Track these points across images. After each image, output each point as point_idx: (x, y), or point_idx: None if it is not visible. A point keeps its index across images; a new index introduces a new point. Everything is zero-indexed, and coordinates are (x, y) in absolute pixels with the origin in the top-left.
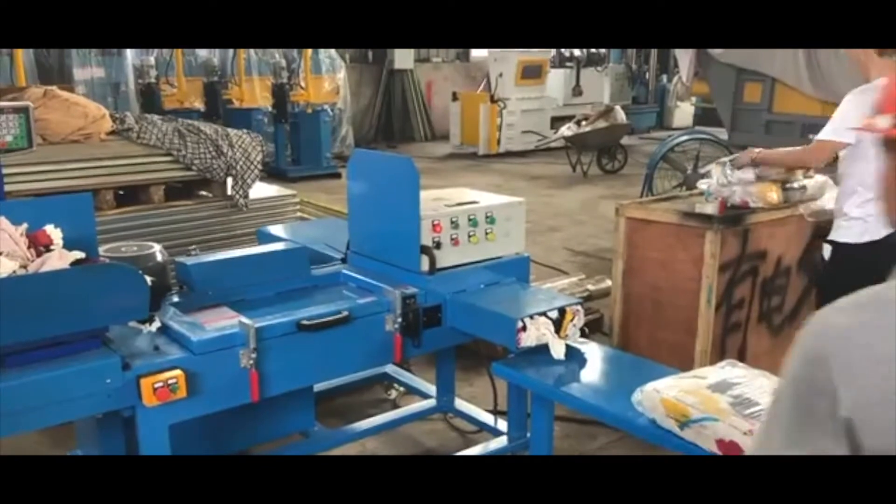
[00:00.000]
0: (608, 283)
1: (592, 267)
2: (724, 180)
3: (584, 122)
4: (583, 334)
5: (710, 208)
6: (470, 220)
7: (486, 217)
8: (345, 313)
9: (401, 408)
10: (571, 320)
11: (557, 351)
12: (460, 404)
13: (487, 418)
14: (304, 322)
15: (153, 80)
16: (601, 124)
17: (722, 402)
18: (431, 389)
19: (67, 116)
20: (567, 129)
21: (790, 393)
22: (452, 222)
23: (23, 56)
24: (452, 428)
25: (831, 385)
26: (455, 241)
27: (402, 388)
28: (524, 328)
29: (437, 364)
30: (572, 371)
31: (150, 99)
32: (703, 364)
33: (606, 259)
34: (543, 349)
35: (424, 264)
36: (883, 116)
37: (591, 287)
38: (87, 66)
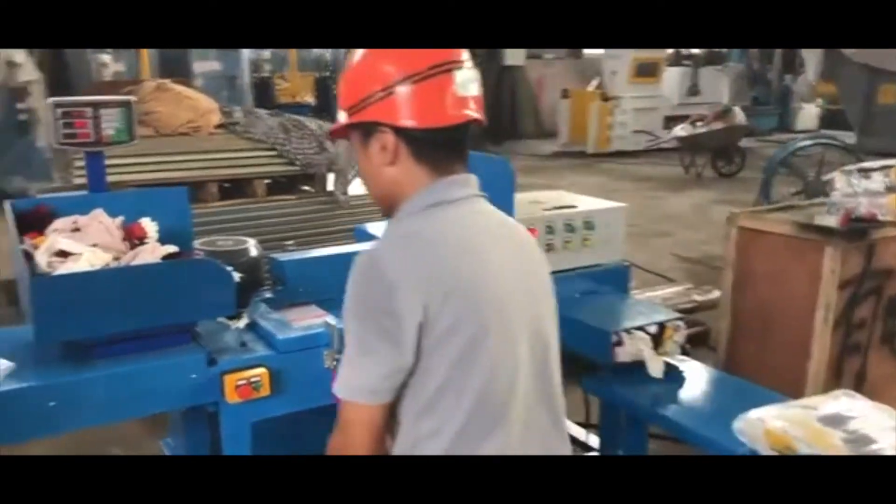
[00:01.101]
0: (717, 294)
1: (701, 275)
2: (849, 190)
3: (699, 123)
4: (683, 352)
5: (832, 220)
6: (567, 225)
7: (585, 222)
8: None
9: None
10: (671, 336)
11: (655, 369)
12: None
13: (578, 432)
14: None
15: (267, 75)
16: (718, 125)
17: (834, 437)
18: None
19: (178, 109)
20: (681, 130)
21: None
22: (548, 227)
23: (147, 50)
24: None
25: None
26: (550, 247)
27: None
28: (620, 342)
29: None
30: (670, 391)
31: (263, 92)
32: (817, 387)
33: (716, 267)
34: (640, 365)
35: None
36: None
37: (697, 297)
38: (205, 60)
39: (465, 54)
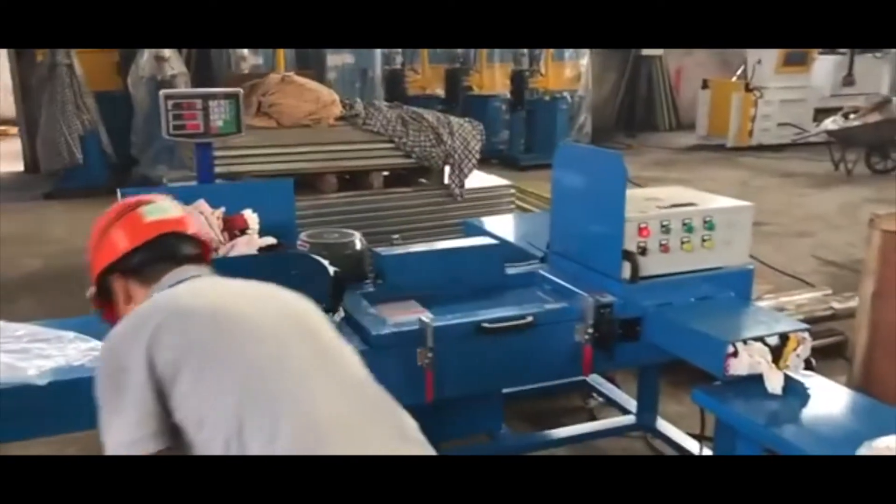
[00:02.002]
0: (857, 301)
1: (843, 280)
2: None
3: (853, 116)
4: (809, 366)
5: None
6: (684, 224)
7: (705, 222)
8: (529, 319)
9: (597, 420)
10: (795, 349)
11: (773, 385)
12: (662, 424)
13: (691, 444)
14: (485, 325)
15: (398, 67)
16: (873, 118)
17: None
18: (632, 404)
19: (300, 101)
20: (832, 123)
21: None
22: (663, 226)
23: None
24: (651, 449)
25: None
26: (664, 248)
27: (600, 399)
28: (735, 353)
29: (640, 377)
30: (789, 409)
31: (394, 85)
32: None
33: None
34: (759, 379)
35: (626, 271)
36: None
37: (836, 305)
38: (339, 53)
39: (166, 200)
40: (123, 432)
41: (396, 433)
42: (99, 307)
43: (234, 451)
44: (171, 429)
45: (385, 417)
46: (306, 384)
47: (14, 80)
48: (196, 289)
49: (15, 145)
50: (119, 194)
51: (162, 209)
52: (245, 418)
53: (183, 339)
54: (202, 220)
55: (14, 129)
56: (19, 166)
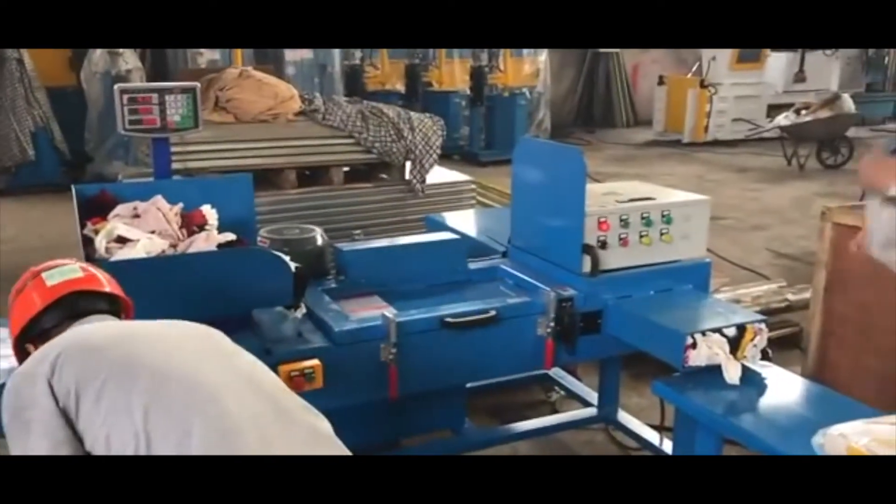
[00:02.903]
0: (811, 293)
1: (797, 272)
2: None
3: (804, 112)
4: (765, 356)
5: None
6: (643, 218)
7: (663, 216)
8: (492, 313)
9: (559, 413)
10: (752, 340)
11: (731, 375)
12: (624, 416)
13: (651, 435)
14: (449, 319)
15: (357, 62)
16: (824, 114)
17: None
18: (594, 396)
19: (258, 96)
20: (784, 119)
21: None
22: (622, 220)
23: None
24: (612, 441)
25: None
26: (624, 242)
27: (562, 392)
28: (694, 345)
29: (601, 370)
30: (746, 399)
31: (353, 80)
32: None
33: (813, 265)
34: (717, 369)
35: (586, 265)
36: None
37: (791, 297)
38: (297, 49)
39: (73, 264)
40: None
41: (310, 435)
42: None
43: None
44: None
45: (299, 420)
46: (216, 393)
47: None
48: (99, 325)
49: None
50: (73, 191)
51: (64, 272)
52: (152, 431)
53: (82, 366)
54: (159, 216)
55: None
56: None
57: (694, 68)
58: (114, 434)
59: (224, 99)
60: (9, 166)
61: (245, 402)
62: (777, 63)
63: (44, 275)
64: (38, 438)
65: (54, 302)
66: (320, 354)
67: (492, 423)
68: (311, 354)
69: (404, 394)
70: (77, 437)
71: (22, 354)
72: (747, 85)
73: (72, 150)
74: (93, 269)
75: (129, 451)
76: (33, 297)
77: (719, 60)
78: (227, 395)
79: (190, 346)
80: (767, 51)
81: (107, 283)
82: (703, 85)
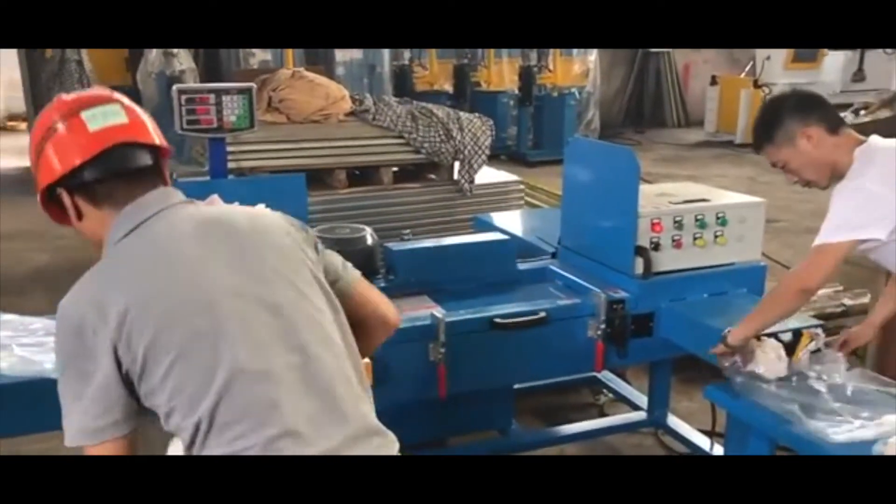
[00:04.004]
0: (869, 298)
1: (854, 276)
2: None
3: (863, 112)
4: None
5: None
6: (697, 220)
7: (717, 218)
8: (542, 314)
9: (608, 416)
10: (807, 345)
11: (773, 376)
12: (674, 421)
13: (702, 441)
14: (498, 320)
15: (406, 63)
16: (884, 114)
17: None
18: (643, 400)
19: (310, 97)
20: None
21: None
22: (676, 222)
23: None
24: (662, 445)
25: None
26: (677, 244)
27: (610, 395)
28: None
29: (651, 374)
30: (801, 404)
31: (402, 81)
32: None
33: (872, 269)
34: None
35: (638, 267)
36: None
37: (847, 301)
38: (347, 49)
39: (110, 96)
40: (87, 420)
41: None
42: (49, 211)
43: (200, 436)
44: (136, 410)
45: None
46: (278, 398)
47: (23, 76)
48: (159, 250)
49: (24, 140)
50: None
51: (106, 114)
52: (214, 420)
53: (153, 337)
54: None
55: (24, 125)
56: (27, 162)
57: (747, 68)
58: (176, 413)
59: (277, 99)
60: None
61: (301, 406)
62: (834, 62)
63: (84, 115)
64: (92, 393)
65: (97, 156)
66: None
67: (539, 424)
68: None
69: (452, 393)
70: (134, 395)
71: (52, 203)
72: (803, 85)
73: None
74: (136, 110)
75: (187, 435)
76: (72, 143)
77: (774, 60)
78: (285, 399)
79: (263, 319)
80: (825, 50)
81: (152, 130)
82: (756, 85)
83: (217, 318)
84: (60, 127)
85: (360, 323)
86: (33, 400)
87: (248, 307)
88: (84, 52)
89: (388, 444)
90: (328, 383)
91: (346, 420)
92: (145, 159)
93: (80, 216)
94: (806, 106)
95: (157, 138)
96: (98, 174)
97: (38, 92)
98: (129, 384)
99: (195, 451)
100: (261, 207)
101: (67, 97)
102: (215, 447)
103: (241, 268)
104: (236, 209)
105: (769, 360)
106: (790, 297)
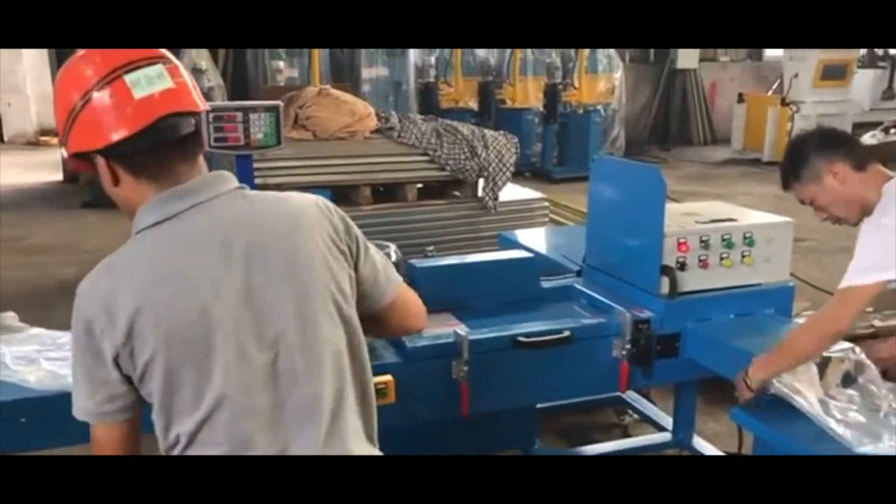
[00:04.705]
0: None
1: (884, 298)
2: None
3: (893, 130)
4: (849, 381)
5: None
6: (724, 239)
7: (745, 237)
8: (566, 333)
9: (632, 437)
10: (837, 367)
11: (810, 400)
12: (699, 442)
13: None
14: (522, 339)
15: (432, 80)
16: None
17: None
18: (668, 421)
19: (336, 114)
20: (871, 137)
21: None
22: (702, 241)
23: (319, 57)
24: None
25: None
26: (704, 263)
27: (635, 416)
28: None
29: (677, 394)
30: (836, 425)
31: (427, 98)
32: None
33: None
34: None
35: (664, 287)
36: None
37: (877, 323)
38: (373, 66)
39: (152, 51)
40: (92, 402)
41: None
42: (76, 166)
43: (177, 450)
44: (138, 399)
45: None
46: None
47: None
48: (178, 258)
49: (56, 155)
50: None
51: (151, 79)
52: (200, 441)
53: (150, 349)
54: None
55: (56, 140)
56: (59, 176)
57: (775, 85)
58: (159, 423)
59: (303, 116)
60: (94, 179)
61: (274, 445)
62: (864, 80)
63: (128, 80)
64: (100, 379)
65: (144, 129)
66: (393, 370)
67: (562, 444)
68: (383, 370)
69: (475, 412)
70: (133, 386)
71: (86, 163)
72: (831, 103)
73: None
74: (179, 68)
75: (165, 445)
76: (117, 113)
77: (802, 77)
78: (261, 437)
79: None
80: (854, 67)
81: (196, 94)
82: (784, 103)
83: (215, 346)
84: (101, 92)
85: (388, 327)
86: (62, 413)
87: (247, 339)
88: None
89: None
90: (316, 419)
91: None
92: (189, 126)
93: (116, 182)
94: (831, 143)
95: (201, 102)
96: (142, 146)
97: None
98: (131, 383)
99: (198, 447)
100: (309, 204)
101: (101, 52)
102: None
103: (256, 293)
104: (280, 209)
105: (802, 384)
106: (815, 341)
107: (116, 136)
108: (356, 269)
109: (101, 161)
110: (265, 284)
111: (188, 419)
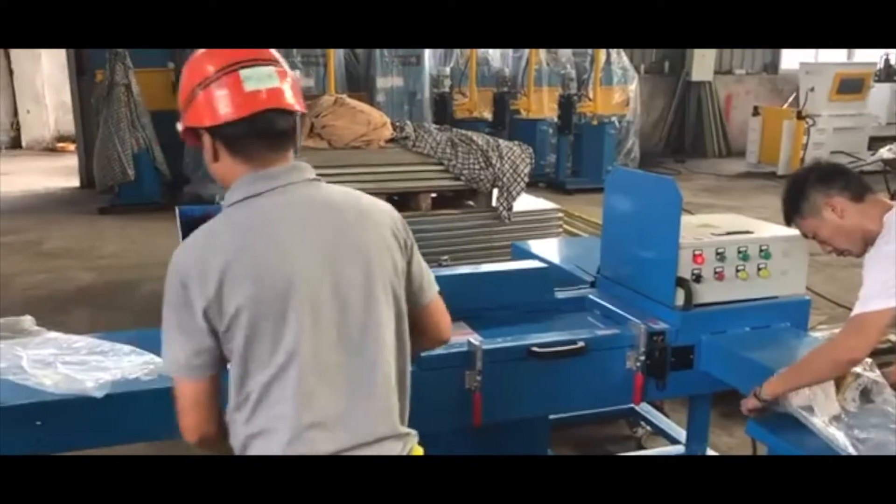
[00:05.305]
0: None
1: None
2: None
3: None
4: (867, 399)
5: None
6: (740, 252)
7: (761, 250)
8: (580, 344)
9: (645, 450)
10: (854, 381)
11: (827, 412)
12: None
13: None
14: (535, 349)
15: (447, 90)
16: None
17: None
18: (681, 434)
19: (352, 123)
20: (888, 151)
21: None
22: (718, 253)
23: (335, 67)
24: None
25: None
26: (719, 276)
27: (648, 428)
28: None
29: (691, 407)
30: (852, 440)
31: (442, 108)
32: None
33: None
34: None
35: (679, 298)
36: None
37: (894, 338)
38: (388, 76)
39: (267, 54)
40: (183, 355)
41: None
42: (186, 137)
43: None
44: (221, 357)
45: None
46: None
47: (74, 99)
48: (264, 227)
49: (73, 161)
50: (177, 211)
51: (261, 77)
52: (268, 395)
53: (235, 305)
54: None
55: (73, 146)
56: (76, 182)
57: (790, 98)
58: (236, 375)
59: (319, 125)
60: (111, 186)
61: (335, 402)
62: (881, 94)
63: (242, 73)
64: (191, 334)
65: (248, 117)
66: None
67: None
68: None
69: (488, 422)
70: (218, 343)
71: (195, 138)
72: (848, 116)
73: (172, 171)
74: (287, 72)
75: (240, 399)
76: (226, 99)
77: (818, 91)
78: (323, 392)
79: (326, 273)
80: (870, 81)
81: (297, 97)
82: (800, 116)
83: (293, 307)
84: (217, 78)
85: (417, 333)
86: (77, 417)
87: (321, 304)
88: (132, 76)
89: (406, 449)
90: (367, 387)
91: (373, 422)
92: (286, 123)
93: (216, 158)
94: (828, 177)
95: (299, 105)
96: (242, 132)
97: (87, 114)
98: (217, 337)
99: (241, 417)
100: (374, 198)
101: (226, 50)
102: (262, 419)
103: (328, 262)
104: (351, 200)
105: (818, 398)
106: (829, 367)
107: (222, 119)
108: (409, 263)
109: (207, 138)
110: (339, 258)
111: (263, 372)
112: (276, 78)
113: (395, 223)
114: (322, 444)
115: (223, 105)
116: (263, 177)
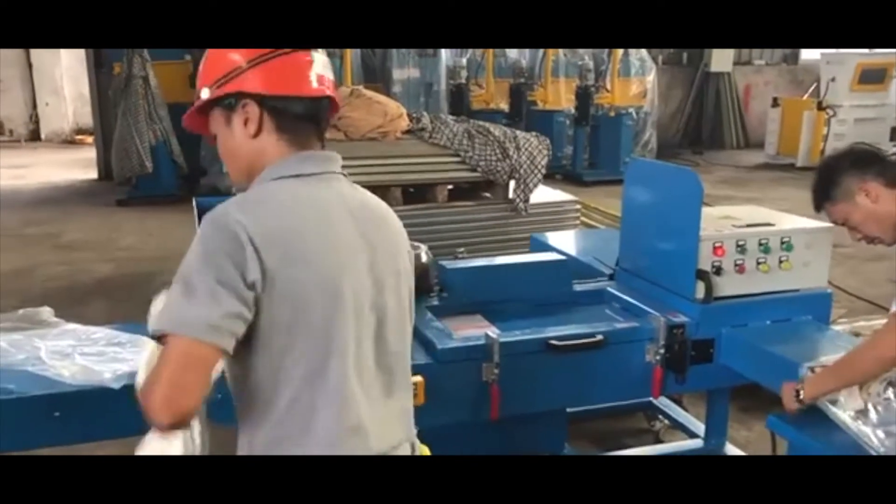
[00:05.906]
0: None
1: None
2: None
3: None
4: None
5: None
6: (761, 244)
7: (782, 243)
8: (599, 337)
9: (663, 443)
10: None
11: (851, 406)
12: (731, 450)
13: None
14: (553, 342)
15: (463, 81)
16: None
17: None
18: (700, 428)
19: (369, 114)
20: None
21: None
22: (739, 246)
23: (351, 58)
24: None
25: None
26: (740, 268)
27: (666, 422)
28: None
29: (709, 401)
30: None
31: (458, 99)
32: None
33: None
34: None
35: (700, 291)
36: None
37: None
38: (405, 68)
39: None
40: (215, 314)
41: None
42: (190, 121)
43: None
44: (239, 335)
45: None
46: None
47: (92, 91)
48: (311, 203)
49: (91, 154)
50: (195, 203)
51: (326, 66)
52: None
53: (302, 283)
54: None
55: (91, 139)
56: (94, 174)
57: (811, 90)
58: (286, 366)
59: (336, 117)
60: (129, 178)
61: (373, 406)
62: None
63: (314, 55)
64: (222, 298)
65: (315, 98)
66: (423, 371)
67: (592, 449)
68: (413, 371)
69: (505, 415)
70: (250, 313)
71: (202, 123)
72: (869, 107)
73: (189, 163)
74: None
75: (296, 381)
76: (305, 74)
77: (839, 81)
78: (362, 396)
79: (363, 267)
80: (893, 71)
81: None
82: (820, 107)
83: (342, 295)
84: (294, 53)
85: None
86: (95, 409)
87: (365, 299)
88: (150, 69)
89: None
90: (396, 392)
91: (400, 428)
92: (330, 116)
93: (258, 132)
94: (863, 162)
95: (336, 99)
96: (302, 111)
97: (105, 107)
98: (254, 305)
99: (304, 399)
100: (390, 211)
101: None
102: (297, 420)
103: (374, 263)
104: (376, 201)
105: (846, 392)
106: (874, 364)
107: (293, 91)
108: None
109: (254, 109)
110: (381, 259)
111: (301, 369)
112: (330, 69)
113: (404, 237)
114: (358, 450)
115: (300, 77)
116: (313, 158)
